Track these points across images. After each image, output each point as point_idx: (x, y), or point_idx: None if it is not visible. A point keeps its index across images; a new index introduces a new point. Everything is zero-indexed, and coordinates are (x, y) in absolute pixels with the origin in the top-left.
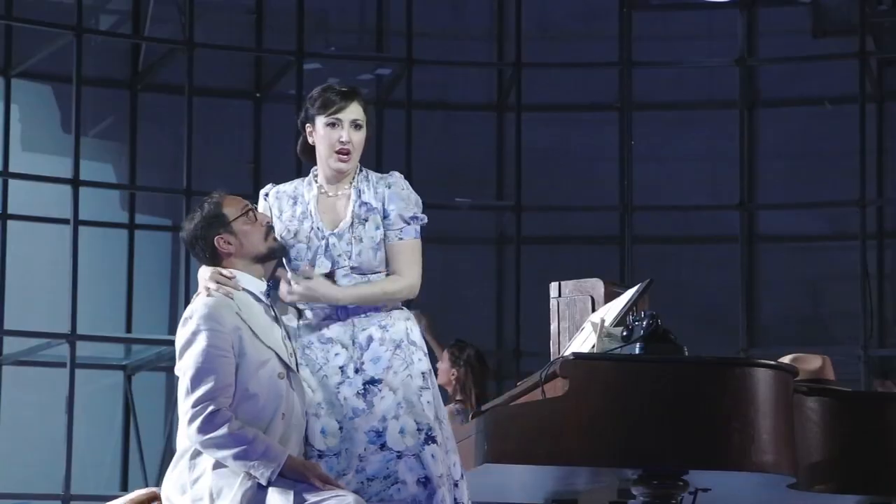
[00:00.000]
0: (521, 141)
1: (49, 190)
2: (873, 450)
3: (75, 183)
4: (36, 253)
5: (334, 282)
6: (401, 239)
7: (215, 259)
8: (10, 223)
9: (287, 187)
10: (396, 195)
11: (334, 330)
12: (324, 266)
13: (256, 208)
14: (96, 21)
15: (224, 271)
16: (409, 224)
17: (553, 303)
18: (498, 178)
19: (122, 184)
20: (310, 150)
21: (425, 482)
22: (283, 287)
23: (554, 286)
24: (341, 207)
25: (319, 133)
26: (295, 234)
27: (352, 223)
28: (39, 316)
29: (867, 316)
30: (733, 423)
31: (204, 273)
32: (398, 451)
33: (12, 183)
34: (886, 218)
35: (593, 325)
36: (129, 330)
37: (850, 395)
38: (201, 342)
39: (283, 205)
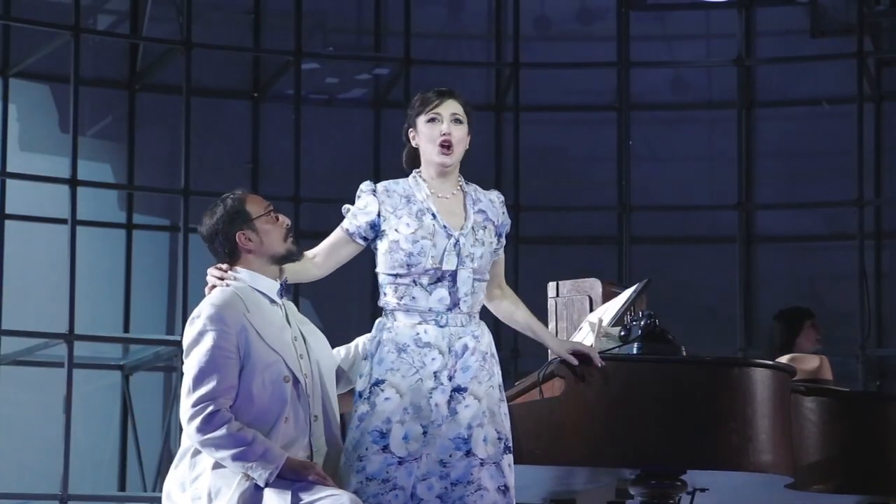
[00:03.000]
0: (519, 141)
1: (47, 190)
2: (871, 450)
3: (73, 183)
4: (34, 253)
5: (455, 283)
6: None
7: (234, 255)
8: (7, 223)
9: (395, 187)
10: (506, 215)
11: (432, 335)
12: (451, 263)
13: (276, 209)
14: (94, 21)
15: (222, 266)
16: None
17: (551, 302)
18: (496, 177)
19: (120, 184)
20: (414, 159)
21: (505, 490)
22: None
23: (552, 286)
24: (458, 209)
25: (422, 132)
26: (414, 231)
27: (473, 227)
28: (37, 316)
29: (865, 316)
30: (731, 423)
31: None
32: (481, 459)
33: (10, 183)
34: (884, 218)
35: (591, 324)
36: (126, 330)
37: (847, 395)
38: (207, 342)
39: (396, 202)
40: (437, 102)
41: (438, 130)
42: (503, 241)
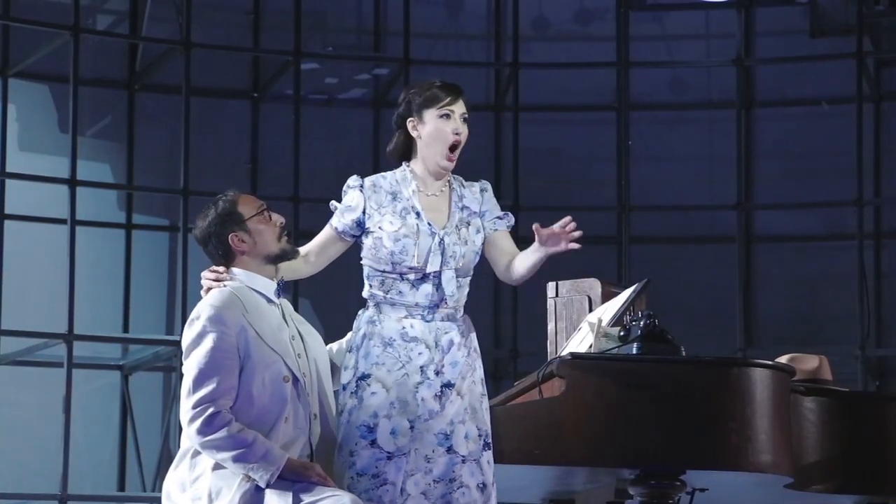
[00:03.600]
0: (519, 141)
1: (46, 190)
2: (870, 450)
3: (72, 183)
4: (33, 253)
5: (439, 284)
6: (508, 226)
7: (228, 257)
8: (7, 223)
9: (382, 182)
10: (491, 200)
11: (418, 329)
12: (434, 264)
13: (270, 208)
14: (93, 21)
15: (217, 268)
16: (507, 222)
17: (550, 302)
18: (495, 178)
19: (120, 184)
20: (404, 149)
21: (483, 487)
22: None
23: (551, 286)
24: (443, 207)
25: (429, 126)
26: (398, 230)
27: (457, 225)
28: (36, 316)
29: (864, 316)
30: (730, 423)
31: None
32: (462, 456)
33: (10, 183)
34: (883, 218)
35: (590, 324)
36: (126, 330)
37: (847, 396)
38: (207, 343)
39: (381, 199)
40: (450, 99)
41: (451, 128)
42: (495, 213)
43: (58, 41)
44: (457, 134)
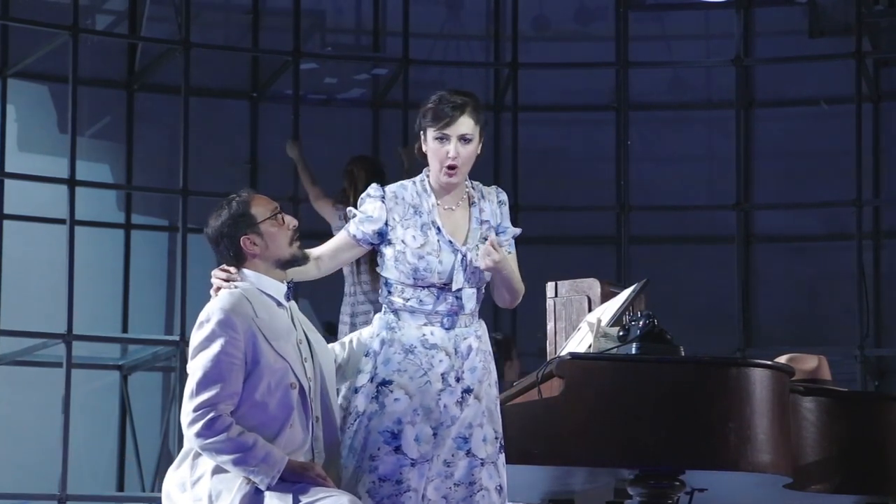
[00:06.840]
0: (518, 141)
1: (45, 190)
2: (870, 450)
3: (72, 183)
4: (32, 253)
5: (460, 298)
6: (510, 252)
7: (239, 259)
8: (6, 223)
9: (404, 192)
10: (507, 214)
11: (438, 336)
12: (458, 281)
13: (283, 211)
14: (93, 21)
15: (228, 268)
16: (513, 239)
17: (549, 303)
18: (495, 178)
19: (119, 184)
20: (426, 156)
21: (500, 490)
22: (484, 252)
23: (550, 286)
24: (462, 221)
25: (430, 145)
26: (421, 246)
27: (478, 241)
28: (36, 316)
29: (864, 316)
30: (730, 423)
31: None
32: (482, 459)
33: (9, 183)
34: (883, 218)
35: (590, 324)
36: (125, 330)
37: (846, 395)
38: (215, 347)
39: (403, 211)
40: (447, 121)
41: (445, 151)
42: (509, 238)
43: (57, 41)
44: (451, 157)
